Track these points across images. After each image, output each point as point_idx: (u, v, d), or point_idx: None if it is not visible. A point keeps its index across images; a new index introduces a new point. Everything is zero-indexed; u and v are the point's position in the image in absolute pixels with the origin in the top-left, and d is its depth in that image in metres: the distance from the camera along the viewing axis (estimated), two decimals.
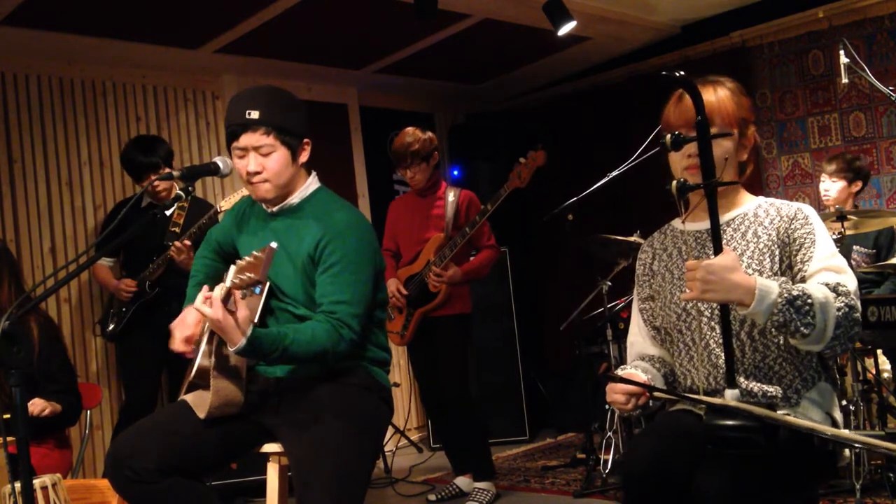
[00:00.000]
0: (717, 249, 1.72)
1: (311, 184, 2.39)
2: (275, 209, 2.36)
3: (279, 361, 2.16)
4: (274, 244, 1.90)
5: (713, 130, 1.82)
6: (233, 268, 1.96)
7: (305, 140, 2.33)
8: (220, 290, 1.96)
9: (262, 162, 2.24)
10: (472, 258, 4.01)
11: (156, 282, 3.88)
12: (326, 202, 2.36)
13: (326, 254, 2.23)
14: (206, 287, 2.00)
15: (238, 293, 2.02)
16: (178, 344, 2.29)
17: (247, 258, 1.93)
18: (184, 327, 2.30)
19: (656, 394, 1.85)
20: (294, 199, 2.35)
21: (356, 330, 2.20)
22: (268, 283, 2.26)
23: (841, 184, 3.97)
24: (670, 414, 2.02)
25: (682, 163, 1.95)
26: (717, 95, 1.93)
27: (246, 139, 2.23)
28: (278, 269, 2.30)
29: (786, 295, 1.71)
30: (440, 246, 3.87)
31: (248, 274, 1.89)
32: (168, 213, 3.49)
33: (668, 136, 1.78)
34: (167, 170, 3.89)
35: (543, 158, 3.74)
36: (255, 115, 2.21)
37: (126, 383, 4.17)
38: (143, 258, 3.92)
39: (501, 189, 3.76)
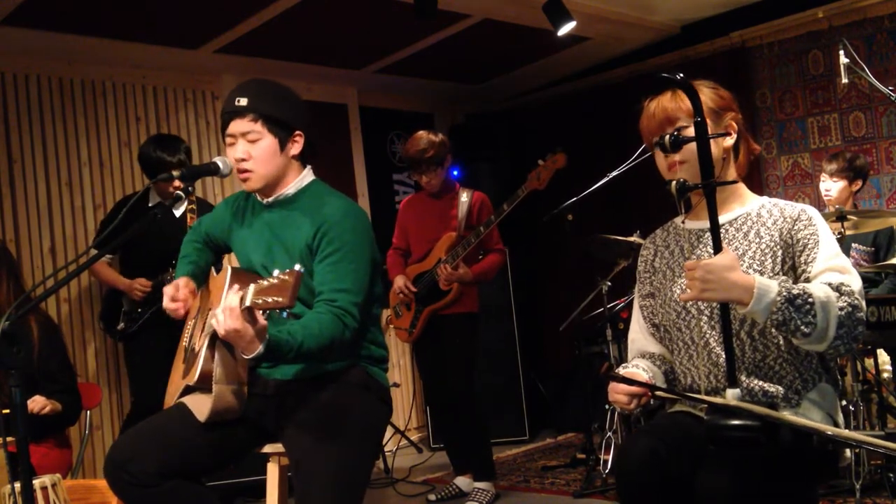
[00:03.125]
0: (717, 249, 1.73)
1: (307, 176, 2.39)
2: (269, 200, 2.36)
3: (293, 361, 2.15)
4: (299, 267, 1.88)
5: (686, 129, 1.90)
6: (252, 286, 1.90)
7: (297, 132, 2.33)
8: (236, 300, 1.93)
9: (249, 149, 2.26)
10: (480, 259, 4.01)
11: None
12: (322, 193, 2.36)
13: (325, 242, 2.22)
14: (234, 297, 1.95)
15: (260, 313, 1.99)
16: (167, 302, 2.34)
17: (270, 279, 1.88)
18: (176, 289, 2.35)
19: (658, 393, 1.85)
20: (289, 189, 2.35)
21: (357, 318, 2.20)
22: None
23: (842, 183, 3.97)
24: (668, 415, 2.02)
25: (663, 164, 1.99)
26: (675, 98, 1.97)
27: (234, 126, 2.27)
28: (275, 261, 2.30)
29: (785, 294, 1.71)
30: (452, 245, 3.87)
31: (276, 297, 1.85)
32: (177, 214, 3.48)
33: (667, 136, 1.80)
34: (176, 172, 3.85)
35: (564, 161, 3.75)
36: (243, 102, 2.26)
37: (134, 384, 4.14)
38: (155, 260, 3.88)
39: (519, 190, 3.76)
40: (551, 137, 3.97)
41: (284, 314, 1.90)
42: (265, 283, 1.89)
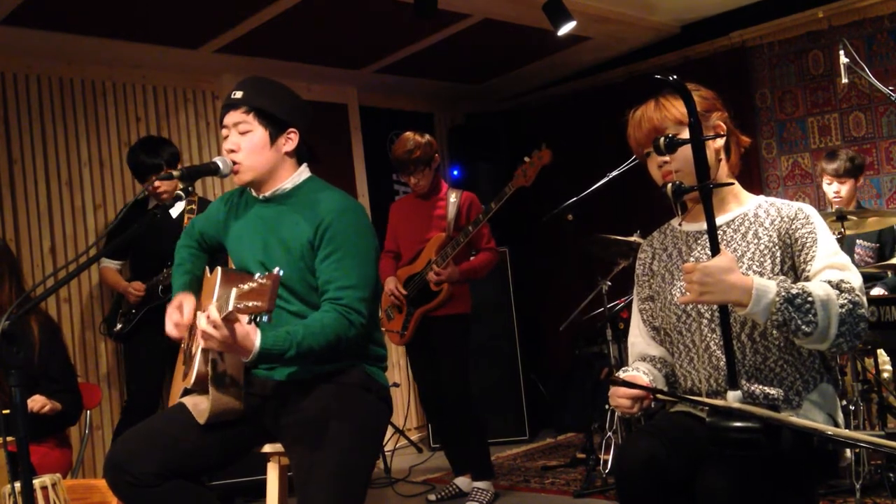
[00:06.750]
0: (714, 251, 1.72)
1: (303, 172, 2.39)
2: (267, 194, 2.36)
3: (296, 360, 2.13)
4: (278, 270, 1.88)
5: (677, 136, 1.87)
6: (234, 290, 1.89)
7: (291, 129, 2.33)
8: (214, 311, 1.92)
9: (239, 140, 2.29)
10: (471, 259, 4.01)
11: (170, 287, 3.85)
12: (318, 188, 2.36)
13: (327, 238, 2.22)
14: (209, 308, 1.96)
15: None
16: (170, 328, 2.32)
17: (250, 283, 1.87)
18: (179, 312, 2.34)
19: (659, 395, 1.85)
20: (286, 184, 2.35)
21: (364, 314, 2.20)
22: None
23: (850, 183, 3.96)
24: (668, 415, 2.02)
25: (657, 173, 1.99)
26: (660, 108, 1.97)
27: (228, 118, 2.31)
28: (272, 258, 2.29)
29: (784, 294, 1.70)
30: (442, 245, 3.87)
31: (255, 302, 1.85)
32: (174, 214, 3.51)
33: (662, 139, 1.79)
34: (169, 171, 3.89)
35: (549, 157, 3.74)
36: (238, 94, 2.30)
37: (129, 383, 4.16)
38: (151, 260, 3.91)
39: (506, 188, 3.75)
40: (551, 137, 3.97)
41: (265, 318, 1.89)
42: (245, 287, 1.87)
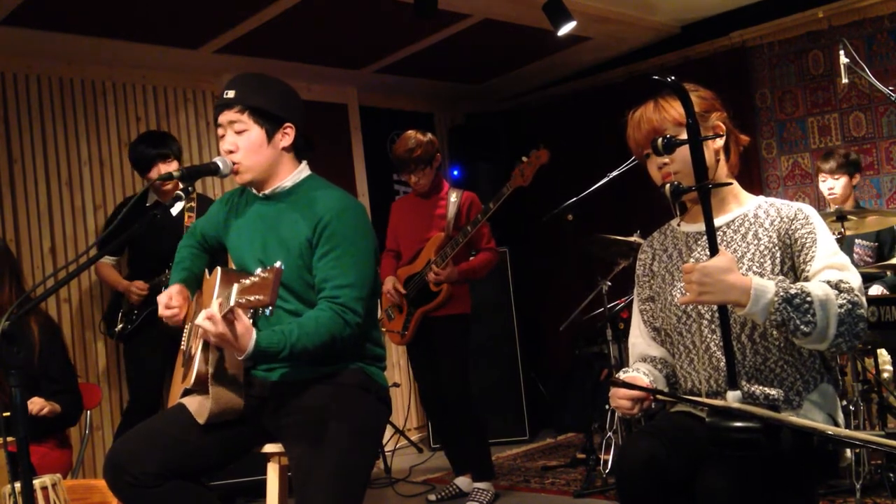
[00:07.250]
0: (713, 251, 1.72)
1: (303, 170, 2.39)
2: (267, 192, 2.36)
3: (290, 359, 2.13)
4: (279, 263, 1.89)
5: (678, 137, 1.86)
6: (236, 286, 1.90)
7: (287, 124, 2.32)
8: (216, 306, 1.94)
9: (236, 140, 2.28)
10: (471, 259, 4.01)
11: None
12: (318, 186, 2.36)
13: (325, 237, 2.21)
14: (212, 304, 1.97)
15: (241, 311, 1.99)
16: (161, 310, 2.34)
17: (252, 278, 1.89)
18: (169, 297, 2.35)
19: (660, 396, 1.85)
20: (286, 182, 2.35)
21: (360, 313, 2.19)
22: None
23: (843, 180, 3.98)
24: (669, 416, 2.02)
25: (656, 174, 1.99)
26: (659, 109, 1.96)
27: (223, 117, 2.29)
28: (271, 256, 2.29)
29: (782, 294, 1.70)
30: (441, 245, 3.87)
31: (257, 296, 1.86)
32: (174, 213, 3.54)
33: (660, 139, 1.79)
34: (175, 162, 3.91)
35: (547, 157, 3.74)
36: (230, 94, 2.28)
37: (131, 383, 4.16)
38: (152, 260, 3.90)
39: (504, 187, 3.76)
40: (551, 137, 3.98)
41: (268, 311, 1.91)
42: (247, 281, 1.90)
